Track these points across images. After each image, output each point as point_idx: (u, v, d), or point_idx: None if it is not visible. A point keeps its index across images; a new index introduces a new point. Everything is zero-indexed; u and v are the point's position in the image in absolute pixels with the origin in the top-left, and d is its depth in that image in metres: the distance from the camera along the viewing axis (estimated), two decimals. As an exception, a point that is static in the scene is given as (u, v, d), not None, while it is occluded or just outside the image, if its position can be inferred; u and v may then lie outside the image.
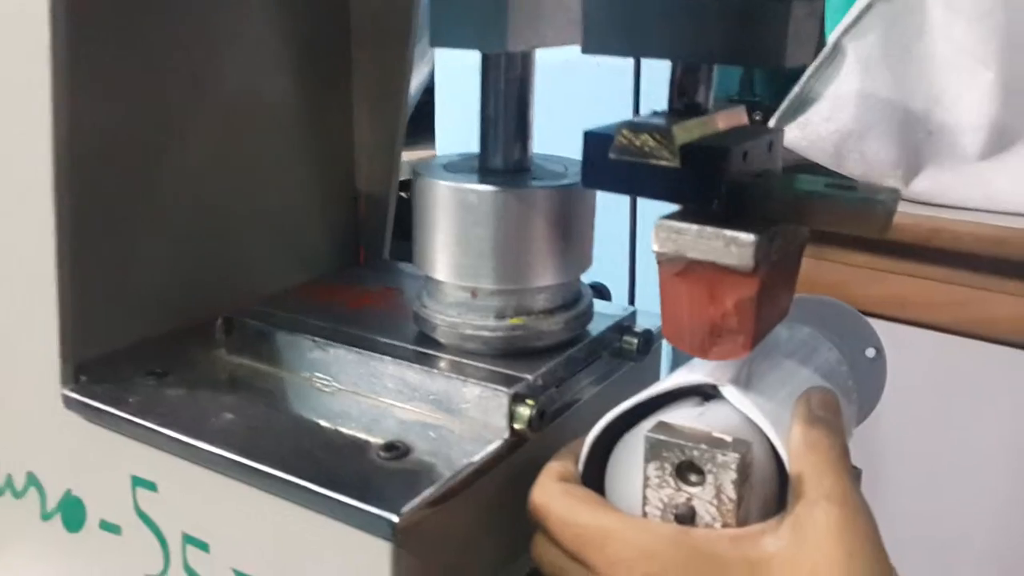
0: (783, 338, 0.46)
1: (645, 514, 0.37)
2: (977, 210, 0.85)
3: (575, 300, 0.46)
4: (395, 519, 0.34)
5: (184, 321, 0.51)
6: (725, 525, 0.36)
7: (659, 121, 0.34)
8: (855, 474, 0.47)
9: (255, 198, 0.54)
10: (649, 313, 0.52)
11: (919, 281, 0.87)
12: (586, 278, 0.48)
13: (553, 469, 0.39)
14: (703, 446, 0.36)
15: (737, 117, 0.38)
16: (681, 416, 0.38)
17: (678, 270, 0.36)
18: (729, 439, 0.36)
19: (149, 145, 0.48)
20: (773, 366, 0.42)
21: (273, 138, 0.55)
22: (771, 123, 0.93)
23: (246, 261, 0.54)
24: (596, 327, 0.47)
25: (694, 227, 0.35)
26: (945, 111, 0.86)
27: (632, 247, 0.88)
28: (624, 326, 0.48)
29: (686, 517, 0.36)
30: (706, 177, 0.34)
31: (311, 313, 0.49)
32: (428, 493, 0.36)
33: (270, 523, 0.39)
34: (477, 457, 0.39)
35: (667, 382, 0.40)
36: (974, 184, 0.85)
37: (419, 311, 0.46)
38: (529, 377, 0.41)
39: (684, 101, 0.37)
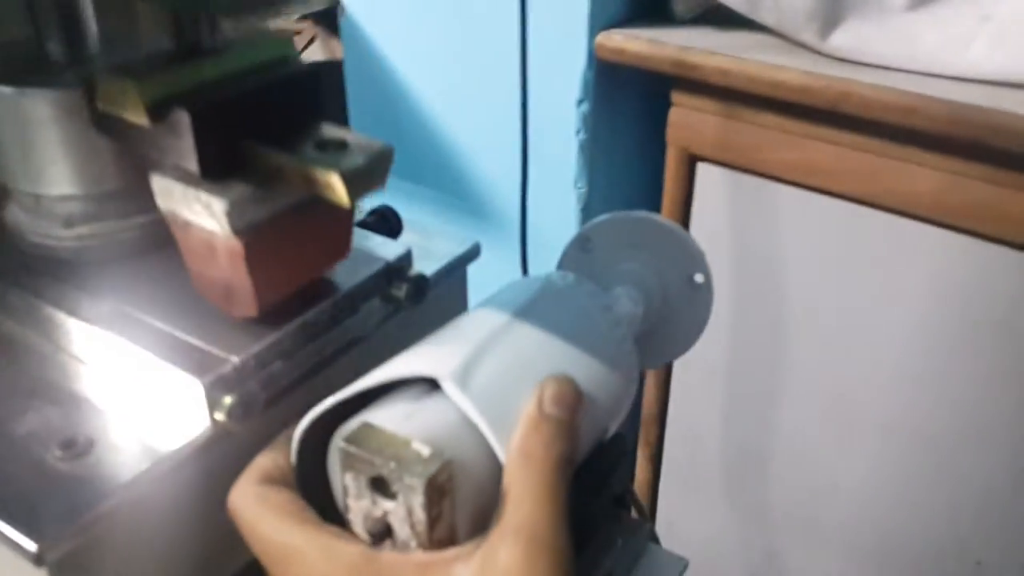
0: (543, 302, 0.40)
1: (349, 522, 0.34)
2: (900, 70, 0.75)
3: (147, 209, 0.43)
4: (33, 548, 0.31)
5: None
6: (420, 545, 0.32)
7: (137, 68, 0.33)
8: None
9: None
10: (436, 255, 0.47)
11: (830, 147, 0.80)
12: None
13: (257, 467, 0.35)
14: (391, 464, 0.31)
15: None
16: (391, 415, 0.34)
17: (179, 226, 0.35)
18: (426, 453, 0.32)
19: None
20: (521, 343, 0.37)
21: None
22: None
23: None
24: (351, 278, 0.41)
25: (179, 186, 0.34)
26: (872, -48, 0.75)
27: (523, 208, 0.80)
28: (395, 269, 0.43)
29: (380, 534, 0.33)
30: (176, 138, 0.33)
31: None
32: (89, 515, 0.32)
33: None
34: (165, 454, 0.34)
35: (385, 370, 0.35)
36: (899, 39, 0.75)
37: (5, 223, 0.42)
38: (234, 360, 0.36)
39: (185, 42, 0.35)
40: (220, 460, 0.36)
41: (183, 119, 0.33)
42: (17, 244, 0.42)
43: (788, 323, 0.91)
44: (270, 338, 0.37)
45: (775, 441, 0.96)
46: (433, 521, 0.32)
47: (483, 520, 0.33)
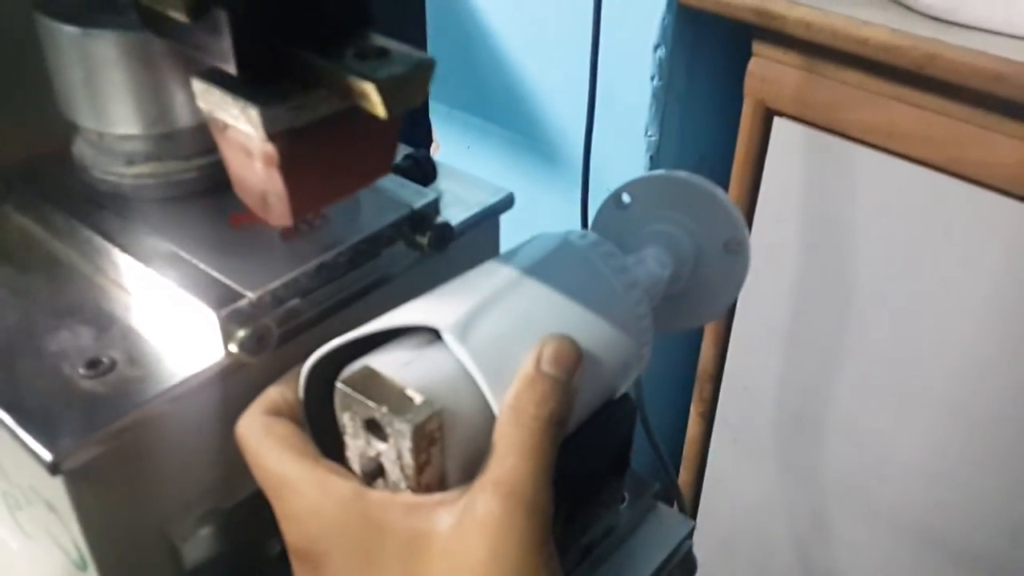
0: (557, 260, 0.39)
1: (347, 459, 0.35)
2: (996, 32, 0.71)
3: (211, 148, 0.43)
4: (49, 457, 0.33)
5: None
6: (409, 487, 0.33)
7: None
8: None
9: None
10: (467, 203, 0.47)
11: (913, 110, 0.76)
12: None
13: (266, 398, 0.36)
14: (383, 409, 0.32)
15: None
16: (392, 360, 0.34)
17: (220, 129, 0.35)
18: (417, 400, 0.32)
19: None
20: (527, 299, 0.37)
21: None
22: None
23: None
24: (374, 222, 0.42)
25: (217, 89, 0.33)
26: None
27: (587, 153, 0.78)
28: (420, 216, 0.43)
29: (373, 473, 0.34)
30: (216, 38, 0.32)
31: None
32: (104, 431, 0.34)
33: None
34: (181, 379, 0.36)
35: (391, 316, 0.36)
36: (995, 2, 0.70)
37: (76, 157, 0.44)
38: (250, 295, 0.37)
39: None
40: (235, 390, 0.38)
41: (222, 18, 0.31)
42: (80, 176, 0.44)
43: (855, 289, 0.88)
44: (287, 276, 0.38)
45: (831, 408, 0.94)
46: (421, 466, 0.32)
47: (475, 470, 0.34)
